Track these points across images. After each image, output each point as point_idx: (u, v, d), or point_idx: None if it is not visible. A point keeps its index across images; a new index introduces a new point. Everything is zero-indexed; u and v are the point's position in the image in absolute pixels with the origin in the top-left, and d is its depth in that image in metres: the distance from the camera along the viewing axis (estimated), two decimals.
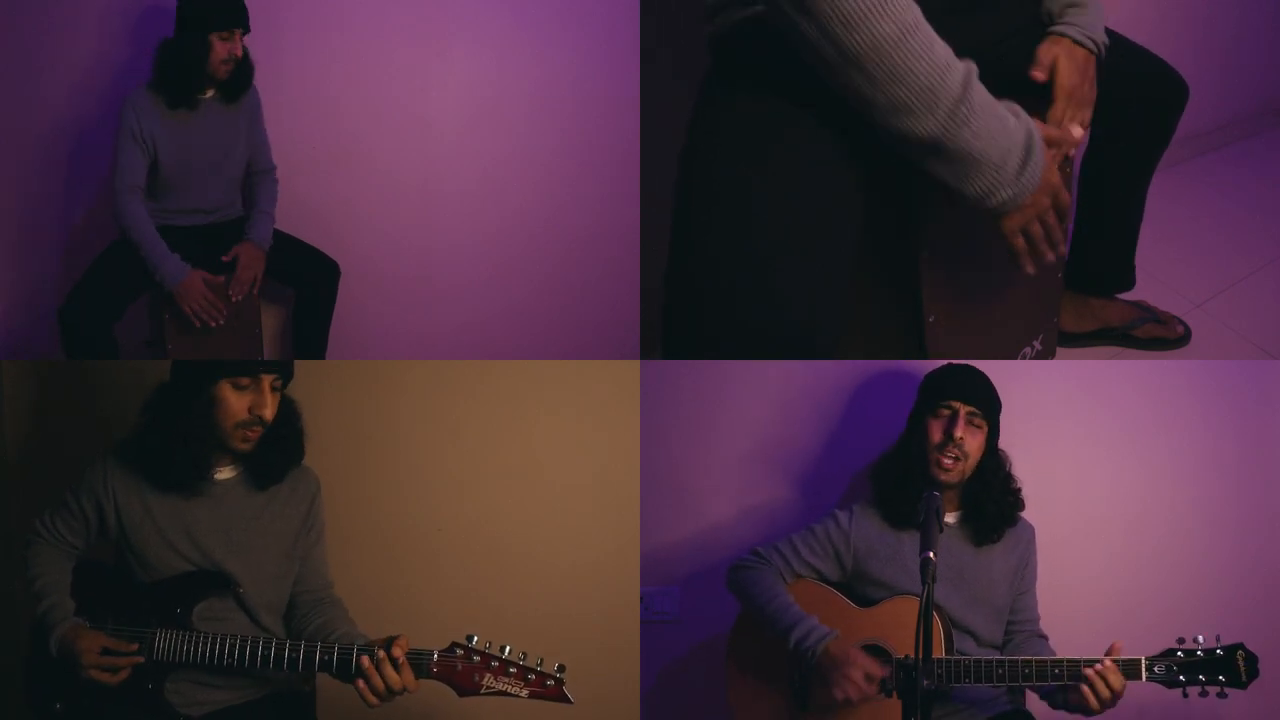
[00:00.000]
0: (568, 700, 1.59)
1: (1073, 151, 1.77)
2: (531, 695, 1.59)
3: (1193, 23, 3.08)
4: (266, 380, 1.68)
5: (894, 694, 1.81)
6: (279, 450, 1.75)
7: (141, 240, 2.31)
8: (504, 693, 1.59)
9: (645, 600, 2.24)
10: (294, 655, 1.62)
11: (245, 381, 1.67)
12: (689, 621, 2.25)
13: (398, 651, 1.57)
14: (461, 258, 2.83)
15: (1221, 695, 1.67)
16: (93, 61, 2.50)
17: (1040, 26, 1.82)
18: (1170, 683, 1.68)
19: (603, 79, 2.74)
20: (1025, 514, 1.95)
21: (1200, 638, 1.68)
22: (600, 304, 2.82)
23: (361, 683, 1.58)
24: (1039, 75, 1.76)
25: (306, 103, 2.65)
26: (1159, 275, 2.60)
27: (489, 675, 1.59)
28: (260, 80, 2.44)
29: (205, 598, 1.71)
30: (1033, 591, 1.95)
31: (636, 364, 2.22)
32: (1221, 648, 1.67)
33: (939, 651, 1.79)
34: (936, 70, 1.46)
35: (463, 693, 1.60)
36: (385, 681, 1.57)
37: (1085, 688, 1.67)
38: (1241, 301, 2.65)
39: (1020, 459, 1.95)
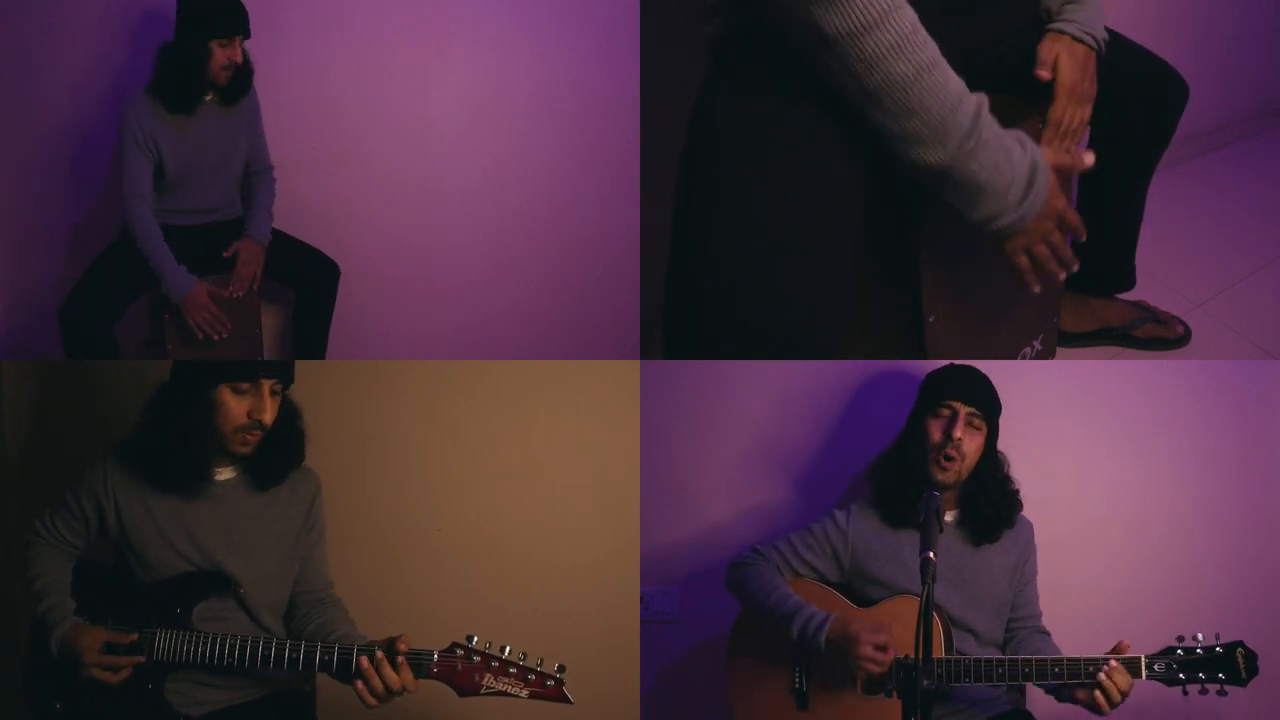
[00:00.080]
0: (568, 700, 1.60)
1: (1089, 162, 1.79)
2: (531, 695, 1.59)
3: (1193, 23, 3.08)
4: (266, 385, 1.68)
5: (894, 694, 1.81)
6: (279, 452, 1.75)
7: (150, 251, 2.31)
8: (504, 693, 1.59)
9: (645, 600, 2.24)
10: (294, 656, 1.62)
11: (245, 386, 1.67)
12: (689, 621, 2.25)
13: (401, 647, 1.58)
14: (461, 258, 2.83)
15: (1221, 693, 1.67)
16: (93, 62, 2.50)
17: (1039, 26, 1.82)
18: (1170, 681, 1.68)
19: (603, 79, 2.74)
20: (1025, 513, 1.95)
21: (1200, 636, 1.69)
22: (600, 304, 2.82)
23: (360, 684, 1.58)
24: (1044, 74, 1.77)
25: (306, 103, 2.65)
26: (1159, 275, 2.60)
27: (489, 675, 1.59)
28: (260, 80, 2.44)
29: (205, 598, 1.71)
30: (1033, 587, 1.95)
31: (636, 364, 2.22)
32: (1221, 645, 1.67)
33: (939, 651, 1.79)
34: (949, 106, 1.53)
35: (463, 693, 1.60)
36: (384, 682, 1.57)
37: (1097, 692, 1.67)
38: (1241, 301, 2.65)
39: (1020, 459, 1.95)
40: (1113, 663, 1.67)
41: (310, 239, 2.60)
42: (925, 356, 1.92)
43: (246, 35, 2.32)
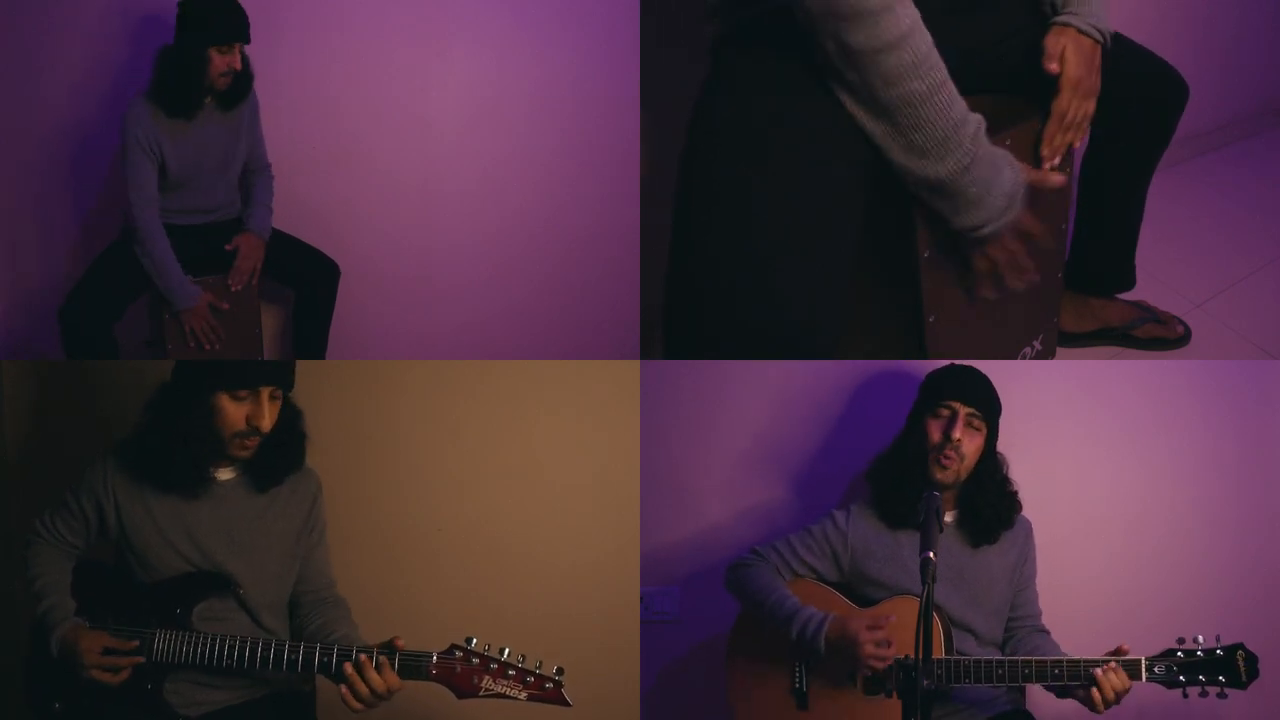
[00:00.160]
0: (566, 703, 1.59)
1: (1059, 181, 1.85)
2: (530, 698, 1.59)
3: (1193, 23, 3.08)
4: (265, 391, 1.67)
5: (894, 694, 1.81)
6: (279, 456, 1.75)
7: (159, 261, 2.31)
8: (503, 695, 1.59)
9: (645, 600, 2.24)
10: (292, 657, 1.62)
11: (243, 393, 1.67)
12: (689, 621, 2.25)
13: (394, 647, 1.57)
14: (461, 258, 2.83)
15: (1221, 695, 1.67)
16: (93, 62, 2.50)
17: (1039, 25, 1.82)
18: (1170, 683, 1.68)
19: (603, 79, 2.74)
20: (1025, 514, 1.95)
21: (1200, 638, 1.68)
22: (600, 304, 2.82)
23: (344, 688, 1.58)
24: (1053, 67, 1.77)
25: (306, 103, 2.65)
26: (1159, 275, 2.60)
27: (488, 677, 1.59)
28: (260, 80, 2.43)
29: (205, 598, 1.71)
30: (1033, 586, 1.95)
31: (636, 364, 2.22)
32: (1221, 648, 1.67)
33: (939, 651, 1.79)
34: (953, 124, 1.61)
35: (462, 695, 1.59)
36: (369, 684, 1.57)
37: (1094, 690, 1.67)
38: (1241, 301, 2.65)
39: (1020, 459, 1.95)
40: (1112, 663, 1.67)
41: (310, 239, 2.60)
42: (925, 356, 1.92)
43: (246, 41, 2.32)
